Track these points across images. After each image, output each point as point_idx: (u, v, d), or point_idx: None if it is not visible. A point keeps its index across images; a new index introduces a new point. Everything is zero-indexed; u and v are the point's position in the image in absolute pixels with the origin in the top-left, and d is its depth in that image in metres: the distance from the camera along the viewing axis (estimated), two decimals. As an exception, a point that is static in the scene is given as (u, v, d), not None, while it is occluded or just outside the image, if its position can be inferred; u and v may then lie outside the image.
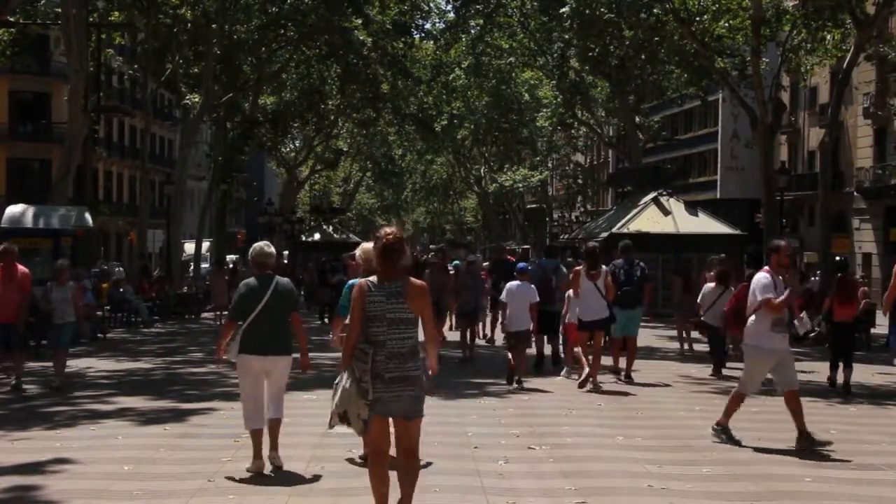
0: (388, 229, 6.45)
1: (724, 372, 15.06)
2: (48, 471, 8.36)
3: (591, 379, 13.27)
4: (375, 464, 6.46)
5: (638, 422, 10.89)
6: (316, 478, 8.11)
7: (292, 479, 8.01)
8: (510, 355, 13.76)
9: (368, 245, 7.60)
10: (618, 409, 11.85)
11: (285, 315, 8.18)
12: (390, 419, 6.31)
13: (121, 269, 22.47)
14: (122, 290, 25.69)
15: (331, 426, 6.80)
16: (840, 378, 13.76)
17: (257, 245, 8.41)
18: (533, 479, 8.06)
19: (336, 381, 6.61)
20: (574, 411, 11.53)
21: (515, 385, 13.40)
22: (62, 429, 10.32)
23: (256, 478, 8.07)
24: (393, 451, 6.58)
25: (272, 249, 8.41)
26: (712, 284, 15.76)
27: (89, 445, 9.45)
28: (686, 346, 18.72)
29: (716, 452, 9.18)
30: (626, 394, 13.26)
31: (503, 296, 14.13)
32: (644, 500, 7.51)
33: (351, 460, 8.70)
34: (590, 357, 13.56)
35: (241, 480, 8.00)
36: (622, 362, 14.52)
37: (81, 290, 14.29)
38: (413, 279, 6.48)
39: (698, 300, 16.15)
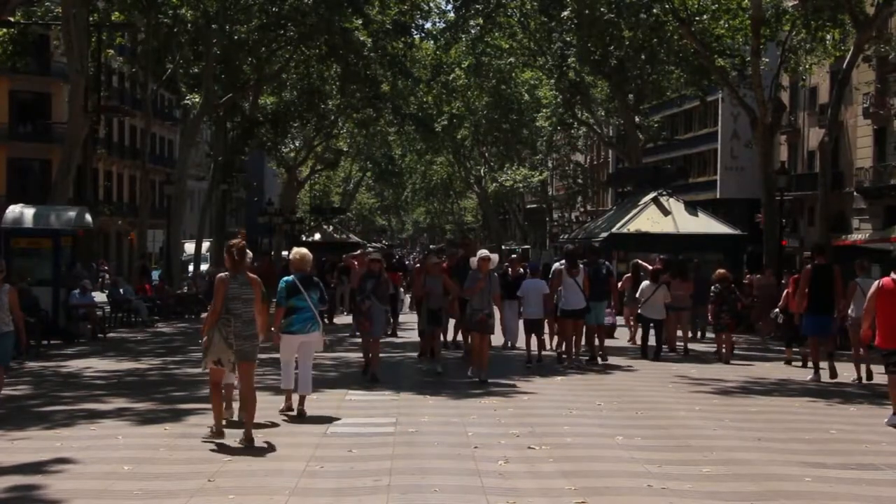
0: (235, 241, 9.74)
1: (654, 361, 17.23)
2: (48, 471, 8.36)
3: (578, 358, 16.15)
4: (216, 393, 9.67)
5: (638, 422, 10.89)
6: (316, 478, 8.11)
7: (292, 479, 8.00)
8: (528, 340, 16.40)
9: (301, 249, 11.45)
10: (618, 409, 11.85)
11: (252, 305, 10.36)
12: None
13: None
14: (121, 290, 25.69)
15: (204, 368, 9.83)
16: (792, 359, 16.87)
17: None
18: (533, 479, 8.06)
19: (203, 340, 9.71)
20: (574, 411, 11.53)
21: (531, 364, 15.82)
22: (62, 429, 10.32)
23: (256, 478, 8.08)
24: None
25: (248, 255, 10.62)
26: (647, 281, 18.07)
27: (89, 445, 9.45)
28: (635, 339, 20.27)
29: (716, 452, 9.18)
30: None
31: (520, 291, 16.40)
32: (644, 500, 7.51)
33: (286, 420, 10.65)
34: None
35: (241, 480, 8.00)
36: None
37: (16, 293, 12.35)
38: (251, 273, 9.73)
39: (636, 295, 18.27)
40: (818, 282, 14.77)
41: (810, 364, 15.30)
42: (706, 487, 7.85)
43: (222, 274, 9.53)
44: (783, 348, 17.83)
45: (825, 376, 14.79)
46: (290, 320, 10.83)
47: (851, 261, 16.60)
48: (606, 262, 17.85)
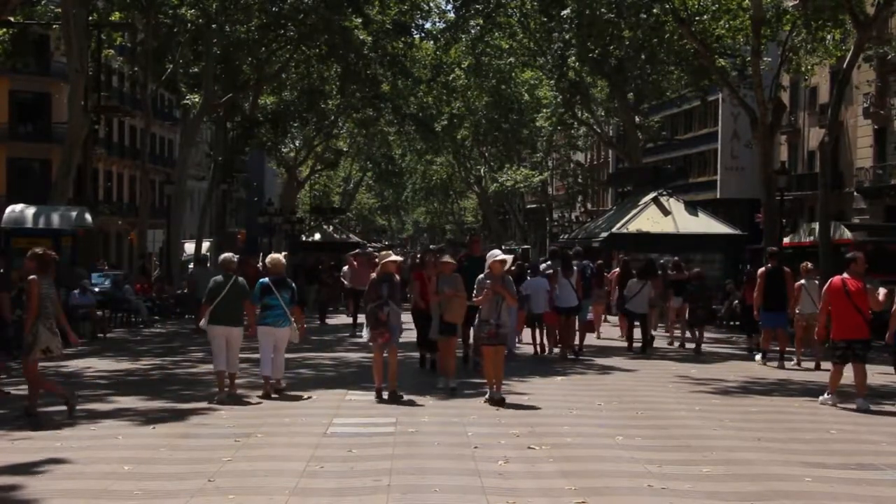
0: (40, 249, 11.24)
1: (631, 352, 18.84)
2: (48, 470, 8.36)
3: (566, 349, 17.42)
4: (36, 379, 11.07)
5: (638, 422, 10.90)
6: (316, 478, 8.11)
7: (292, 479, 8.00)
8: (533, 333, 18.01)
9: (275, 255, 13.70)
10: (618, 409, 11.85)
11: (239, 301, 12.50)
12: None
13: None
14: (121, 290, 25.69)
15: (32, 359, 10.88)
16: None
17: (224, 255, 13.38)
18: (533, 479, 8.06)
19: (31, 335, 10.82)
20: (574, 411, 11.53)
21: (541, 354, 17.56)
22: (62, 429, 10.33)
23: (256, 478, 8.08)
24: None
25: (235, 258, 13.37)
26: (634, 279, 19.55)
27: (89, 445, 9.45)
28: (599, 332, 21.92)
29: (716, 452, 9.18)
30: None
31: (524, 289, 17.12)
32: (644, 500, 7.51)
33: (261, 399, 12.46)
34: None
35: (241, 480, 8.00)
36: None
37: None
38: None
39: (624, 292, 19.64)
40: (771, 282, 16.92)
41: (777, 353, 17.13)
42: (706, 487, 7.85)
43: (33, 276, 10.88)
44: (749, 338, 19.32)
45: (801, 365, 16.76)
46: (264, 315, 12.73)
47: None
48: (590, 264, 20.18)
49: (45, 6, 32.02)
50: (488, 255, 12.77)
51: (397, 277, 12.79)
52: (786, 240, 27.53)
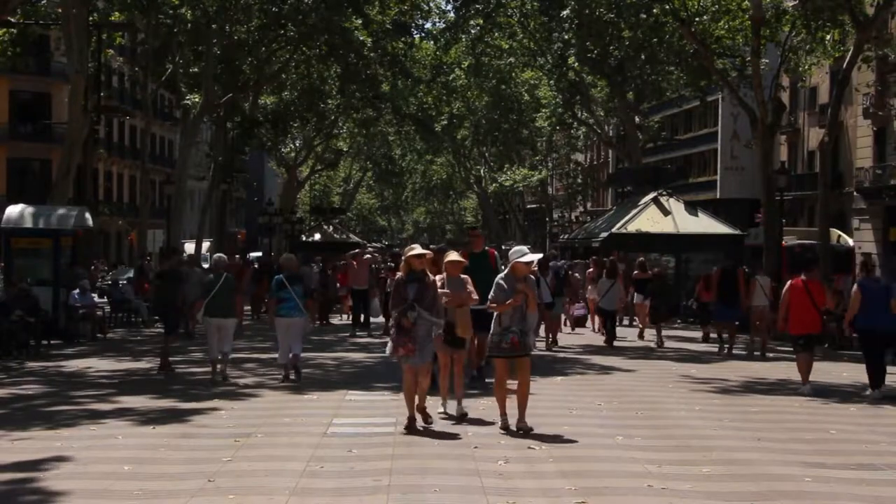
0: None
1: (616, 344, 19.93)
2: (48, 470, 8.37)
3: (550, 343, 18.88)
4: None
5: (638, 422, 10.90)
6: (316, 478, 8.11)
7: (292, 479, 8.00)
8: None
9: (289, 255, 15.56)
10: (618, 409, 11.86)
11: (231, 296, 14.10)
12: None
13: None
14: (122, 290, 25.68)
15: None
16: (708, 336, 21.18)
17: (217, 255, 15.64)
18: (533, 479, 8.06)
19: None
20: (574, 411, 11.53)
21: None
22: (63, 428, 10.33)
23: (256, 478, 8.08)
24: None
25: (225, 257, 15.66)
26: (603, 278, 20.88)
27: (90, 445, 9.46)
28: (570, 327, 23.36)
29: (716, 452, 9.19)
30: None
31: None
32: (644, 500, 7.52)
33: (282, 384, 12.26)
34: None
35: (241, 480, 8.01)
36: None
37: None
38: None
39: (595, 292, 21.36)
40: (725, 280, 19.01)
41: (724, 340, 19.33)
42: (706, 487, 7.86)
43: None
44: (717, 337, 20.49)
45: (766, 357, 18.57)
46: (279, 307, 13.94)
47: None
48: (566, 264, 22.56)
49: (45, 6, 32.01)
50: (513, 251, 10.62)
51: (430, 277, 10.40)
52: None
